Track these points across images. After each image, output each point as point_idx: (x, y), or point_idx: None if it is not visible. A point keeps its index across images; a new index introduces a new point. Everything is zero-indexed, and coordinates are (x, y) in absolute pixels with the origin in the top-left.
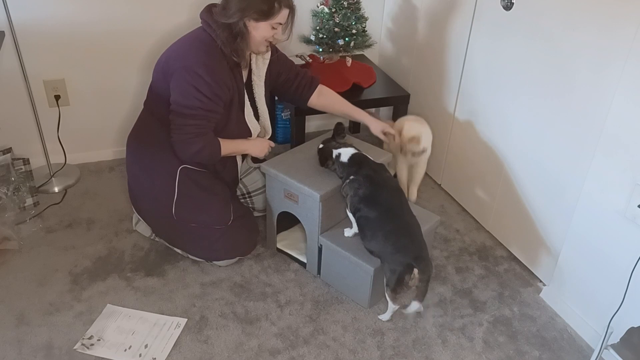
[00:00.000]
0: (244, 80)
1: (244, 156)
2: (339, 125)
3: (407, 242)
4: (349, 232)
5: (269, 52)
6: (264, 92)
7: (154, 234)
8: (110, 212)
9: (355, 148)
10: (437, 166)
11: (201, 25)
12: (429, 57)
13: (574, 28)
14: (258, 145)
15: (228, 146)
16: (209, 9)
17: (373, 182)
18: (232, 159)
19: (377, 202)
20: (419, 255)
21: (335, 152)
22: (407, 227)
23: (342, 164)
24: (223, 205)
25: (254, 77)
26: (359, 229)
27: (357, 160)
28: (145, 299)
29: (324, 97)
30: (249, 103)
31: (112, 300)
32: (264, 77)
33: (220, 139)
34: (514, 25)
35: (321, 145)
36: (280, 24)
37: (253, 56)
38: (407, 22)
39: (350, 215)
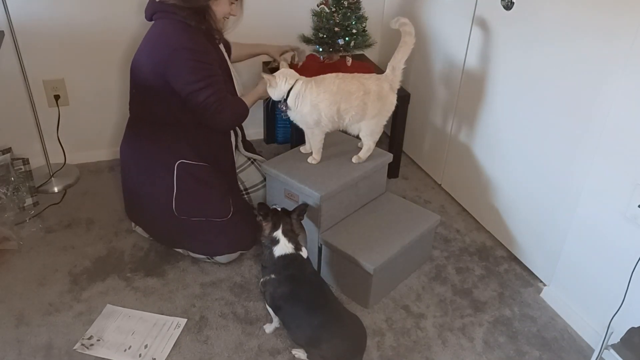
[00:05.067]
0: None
1: (236, 145)
2: (304, 206)
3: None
4: (269, 328)
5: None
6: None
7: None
8: (110, 212)
9: (297, 246)
10: (437, 166)
11: (160, 18)
12: (429, 57)
13: (575, 27)
14: (261, 85)
15: (248, 99)
16: (155, 2)
17: (294, 280)
18: (227, 144)
19: (298, 298)
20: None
21: (276, 234)
22: (336, 319)
23: (272, 255)
24: (221, 197)
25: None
26: (285, 326)
27: (287, 261)
28: (145, 299)
29: (232, 53)
30: (234, 73)
31: (112, 301)
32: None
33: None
34: (514, 25)
35: (277, 207)
36: None
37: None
38: None
39: (270, 310)
